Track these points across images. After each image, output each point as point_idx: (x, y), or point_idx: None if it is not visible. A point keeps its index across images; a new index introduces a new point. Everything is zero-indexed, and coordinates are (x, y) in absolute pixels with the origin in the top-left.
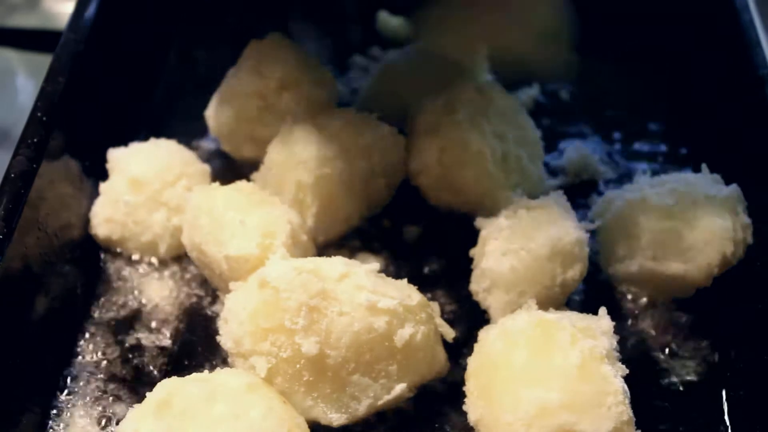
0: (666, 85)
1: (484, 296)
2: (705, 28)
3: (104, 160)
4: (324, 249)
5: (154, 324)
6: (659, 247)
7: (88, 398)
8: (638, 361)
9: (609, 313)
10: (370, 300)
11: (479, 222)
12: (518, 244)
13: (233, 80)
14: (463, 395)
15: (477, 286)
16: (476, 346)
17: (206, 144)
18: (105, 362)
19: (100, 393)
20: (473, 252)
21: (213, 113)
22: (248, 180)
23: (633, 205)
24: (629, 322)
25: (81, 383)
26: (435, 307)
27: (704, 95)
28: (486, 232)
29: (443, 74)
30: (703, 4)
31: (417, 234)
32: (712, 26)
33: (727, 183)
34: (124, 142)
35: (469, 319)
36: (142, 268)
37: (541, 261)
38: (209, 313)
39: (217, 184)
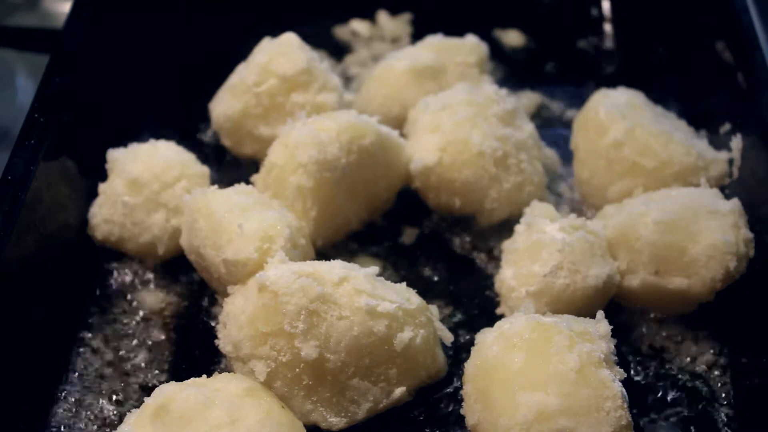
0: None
1: (512, 292)
2: (705, 29)
3: (103, 161)
4: (323, 252)
5: (151, 327)
6: (661, 262)
7: (85, 402)
8: (637, 365)
9: (606, 316)
10: (370, 304)
11: (533, 208)
12: (578, 267)
13: (242, 75)
14: (461, 399)
15: (515, 281)
16: (473, 350)
17: (206, 145)
18: (102, 365)
19: (97, 397)
20: (506, 245)
21: (218, 106)
22: (247, 182)
23: (634, 219)
24: (627, 326)
25: (78, 387)
26: (434, 310)
27: (704, 98)
28: (537, 237)
29: (443, 75)
30: (703, 5)
31: (415, 237)
32: (712, 28)
33: (728, 194)
34: (123, 142)
35: (468, 323)
36: (141, 270)
37: (590, 291)
38: (208, 316)
39: (215, 186)
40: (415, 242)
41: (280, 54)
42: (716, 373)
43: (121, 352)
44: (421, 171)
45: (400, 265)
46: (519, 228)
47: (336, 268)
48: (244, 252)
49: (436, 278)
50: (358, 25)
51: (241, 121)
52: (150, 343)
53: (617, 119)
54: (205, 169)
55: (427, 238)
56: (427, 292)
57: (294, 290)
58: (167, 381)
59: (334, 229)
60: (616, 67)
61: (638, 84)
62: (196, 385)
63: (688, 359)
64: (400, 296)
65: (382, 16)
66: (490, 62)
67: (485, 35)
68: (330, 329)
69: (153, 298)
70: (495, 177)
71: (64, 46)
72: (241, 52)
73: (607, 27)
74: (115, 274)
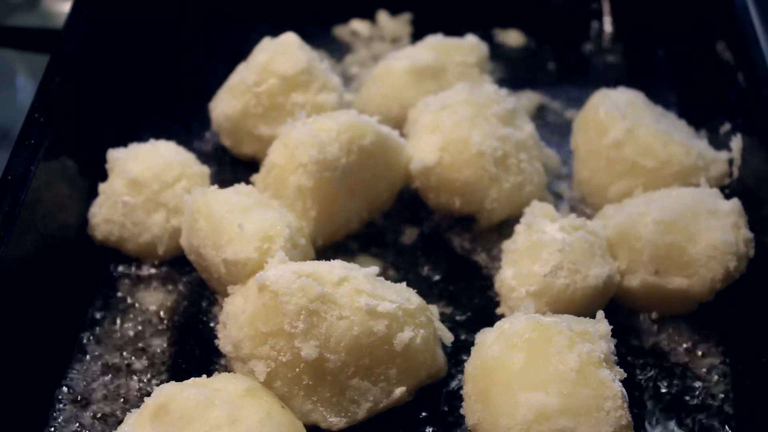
0: (665, 88)
1: (512, 292)
2: (705, 29)
3: (103, 161)
4: (323, 252)
5: (151, 327)
6: (661, 262)
7: (85, 402)
8: (637, 365)
9: (606, 316)
10: (370, 304)
11: (533, 208)
12: (578, 267)
13: (242, 75)
14: (461, 399)
15: (515, 281)
16: (473, 350)
17: (206, 145)
18: (102, 365)
19: (97, 397)
20: (506, 245)
21: (218, 106)
22: (247, 182)
23: (634, 219)
24: (627, 326)
25: (78, 387)
26: (434, 310)
27: (704, 98)
28: (538, 237)
29: (443, 75)
30: (703, 5)
31: (415, 237)
32: (712, 27)
33: (728, 194)
34: (123, 142)
35: (468, 322)
36: (140, 270)
37: (590, 291)
38: (208, 316)
39: (215, 186)
40: (415, 242)
41: (280, 54)
42: (716, 373)
43: (121, 352)
44: (421, 171)
45: (400, 265)
46: (519, 228)
47: (336, 268)
48: (244, 252)
49: (436, 278)
50: (358, 25)
51: (241, 120)
52: (150, 343)
53: (617, 119)
54: (205, 169)
55: (427, 238)
56: (427, 292)
57: (294, 290)
58: (167, 381)
59: (334, 229)
60: (616, 67)
61: (638, 84)
62: (196, 385)
63: (688, 359)
64: (400, 296)
65: (382, 16)
66: (490, 62)
67: (485, 35)
68: (330, 329)
69: (153, 298)
70: (495, 177)
71: (64, 46)
72: (241, 52)
73: (608, 27)
74: (115, 274)
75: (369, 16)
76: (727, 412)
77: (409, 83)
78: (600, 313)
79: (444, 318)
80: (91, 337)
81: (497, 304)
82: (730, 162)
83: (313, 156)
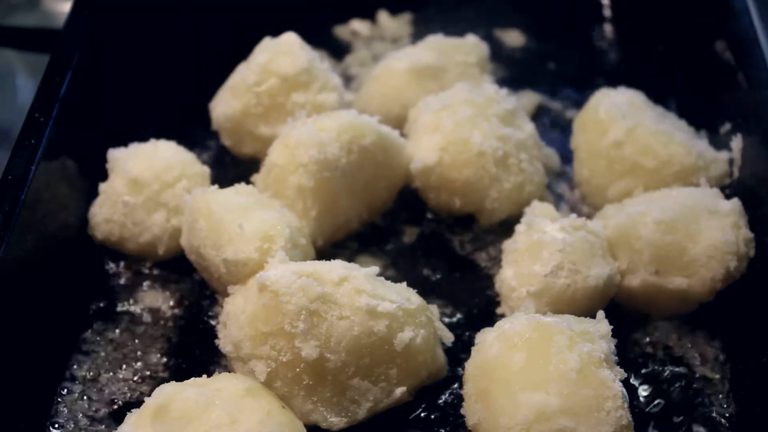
0: (665, 88)
1: (512, 292)
2: (705, 29)
3: (103, 161)
4: (323, 252)
5: (152, 327)
6: (661, 262)
7: (85, 402)
8: (637, 365)
9: (606, 316)
10: (370, 304)
11: (534, 208)
12: (578, 267)
13: (243, 75)
14: (461, 399)
15: (515, 281)
16: (474, 350)
17: (206, 145)
18: (102, 365)
19: (97, 396)
20: (506, 245)
21: (218, 105)
22: (247, 182)
23: (634, 219)
24: (627, 326)
25: (78, 387)
26: (434, 310)
27: (704, 98)
28: (538, 237)
29: (443, 75)
30: (703, 5)
31: (416, 237)
32: (712, 28)
33: (728, 194)
34: (123, 142)
35: (468, 323)
36: (141, 270)
37: (590, 291)
38: (208, 316)
39: (215, 186)
40: (415, 242)
41: (281, 54)
42: (716, 372)
43: (121, 352)
44: (421, 171)
45: (400, 265)
46: (519, 228)
47: (336, 267)
48: (244, 252)
49: (436, 278)
50: (358, 25)
51: (241, 120)
52: (150, 343)
53: (617, 119)
54: (205, 169)
55: (427, 238)
56: (427, 292)
57: (294, 290)
58: (167, 381)
59: (334, 229)
60: (616, 67)
61: (638, 84)
62: (196, 385)
63: (688, 359)
64: (401, 296)
65: (382, 16)
66: (490, 62)
67: (485, 35)
68: (330, 329)
69: (153, 298)
70: (495, 177)
71: (64, 46)
72: (241, 52)
73: (607, 27)
74: (115, 274)
75: (369, 16)
76: (727, 412)
77: (410, 83)
78: (600, 313)
79: (444, 318)
80: (91, 337)
81: (497, 304)
82: (730, 162)
83: (313, 156)
